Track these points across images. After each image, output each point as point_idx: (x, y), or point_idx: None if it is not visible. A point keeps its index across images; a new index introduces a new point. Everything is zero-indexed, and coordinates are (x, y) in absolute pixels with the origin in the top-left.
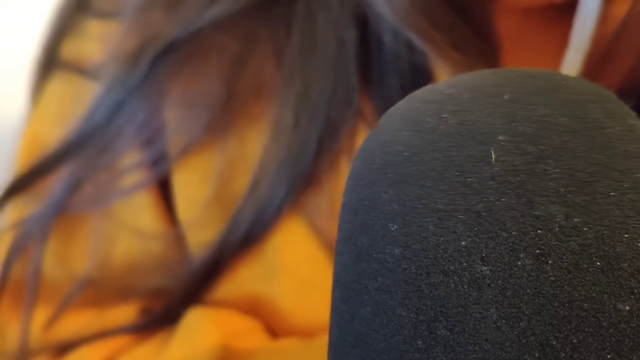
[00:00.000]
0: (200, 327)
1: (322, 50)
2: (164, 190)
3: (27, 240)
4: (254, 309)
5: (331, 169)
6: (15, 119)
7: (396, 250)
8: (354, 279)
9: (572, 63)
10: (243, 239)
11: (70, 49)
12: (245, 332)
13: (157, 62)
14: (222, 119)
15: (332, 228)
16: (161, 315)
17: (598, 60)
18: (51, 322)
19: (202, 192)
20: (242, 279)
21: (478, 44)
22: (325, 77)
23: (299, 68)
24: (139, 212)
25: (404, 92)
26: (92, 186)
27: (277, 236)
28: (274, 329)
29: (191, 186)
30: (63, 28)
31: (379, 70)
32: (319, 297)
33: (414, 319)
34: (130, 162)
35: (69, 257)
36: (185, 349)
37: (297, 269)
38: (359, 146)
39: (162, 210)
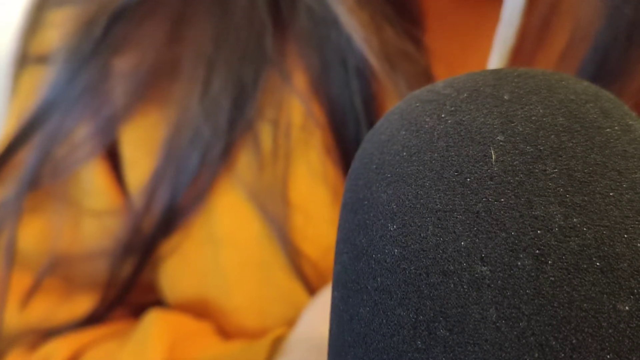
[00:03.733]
0: (152, 329)
1: (232, 8)
2: (115, 167)
3: (2, 222)
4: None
5: (250, 130)
6: None
7: (395, 250)
8: (352, 279)
9: (502, 44)
10: (175, 204)
11: (36, 43)
12: (196, 334)
13: (109, 28)
14: (163, 84)
15: (262, 186)
16: (116, 298)
17: (532, 43)
18: (26, 300)
19: (149, 161)
20: (188, 251)
21: (401, 22)
22: (236, 36)
23: (211, 29)
24: (95, 193)
25: (325, 55)
26: (53, 160)
27: (214, 201)
28: (223, 326)
29: (139, 154)
30: (30, 24)
31: (299, 32)
32: (260, 274)
33: (413, 319)
34: (84, 133)
35: (44, 240)
36: (137, 350)
37: (236, 236)
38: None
39: (116, 187)
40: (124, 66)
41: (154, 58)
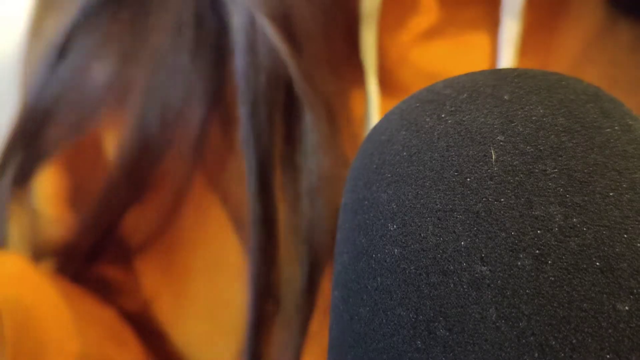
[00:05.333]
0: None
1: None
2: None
3: None
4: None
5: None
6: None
7: (395, 250)
8: (353, 279)
9: (508, 43)
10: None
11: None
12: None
13: (71, 37)
14: (114, 106)
15: (237, 196)
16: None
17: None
18: None
19: None
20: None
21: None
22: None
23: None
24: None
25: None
26: (32, 158)
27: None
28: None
29: None
30: (34, 24)
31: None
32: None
33: (413, 319)
34: (57, 133)
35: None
36: None
37: (207, 240)
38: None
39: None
40: (99, 70)
41: (105, 77)
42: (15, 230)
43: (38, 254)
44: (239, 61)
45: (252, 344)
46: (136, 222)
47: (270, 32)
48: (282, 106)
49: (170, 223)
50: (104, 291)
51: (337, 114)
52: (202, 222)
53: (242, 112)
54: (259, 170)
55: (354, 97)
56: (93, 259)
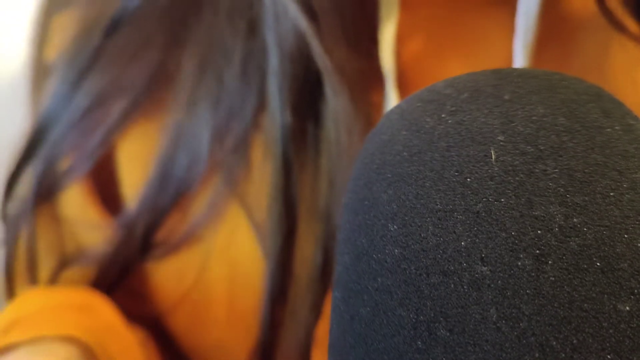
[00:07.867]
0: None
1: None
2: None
3: (17, 230)
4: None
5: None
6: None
7: (396, 250)
8: (353, 279)
9: (522, 46)
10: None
11: (46, 50)
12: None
13: (102, 42)
14: (159, 94)
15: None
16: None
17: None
18: None
19: (144, 173)
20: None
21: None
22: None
23: (206, 39)
24: (81, 209)
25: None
26: (55, 174)
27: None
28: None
29: (136, 167)
30: (40, 30)
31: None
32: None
33: (413, 320)
34: (85, 147)
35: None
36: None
37: (229, 251)
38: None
39: (97, 202)
40: (124, 76)
41: (151, 67)
42: (42, 241)
43: (66, 262)
44: (268, 37)
45: (267, 327)
46: (167, 230)
47: (292, 10)
48: (305, 83)
49: (193, 228)
50: (130, 298)
51: (358, 93)
52: (221, 226)
53: (271, 88)
54: (282, 145)
55: (374, 93)
56: (129, 266)
